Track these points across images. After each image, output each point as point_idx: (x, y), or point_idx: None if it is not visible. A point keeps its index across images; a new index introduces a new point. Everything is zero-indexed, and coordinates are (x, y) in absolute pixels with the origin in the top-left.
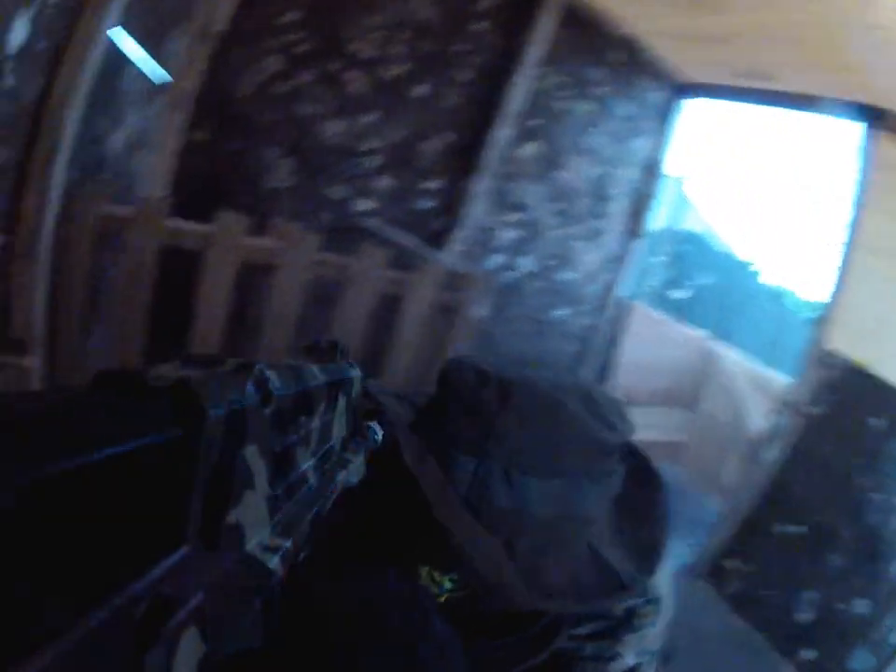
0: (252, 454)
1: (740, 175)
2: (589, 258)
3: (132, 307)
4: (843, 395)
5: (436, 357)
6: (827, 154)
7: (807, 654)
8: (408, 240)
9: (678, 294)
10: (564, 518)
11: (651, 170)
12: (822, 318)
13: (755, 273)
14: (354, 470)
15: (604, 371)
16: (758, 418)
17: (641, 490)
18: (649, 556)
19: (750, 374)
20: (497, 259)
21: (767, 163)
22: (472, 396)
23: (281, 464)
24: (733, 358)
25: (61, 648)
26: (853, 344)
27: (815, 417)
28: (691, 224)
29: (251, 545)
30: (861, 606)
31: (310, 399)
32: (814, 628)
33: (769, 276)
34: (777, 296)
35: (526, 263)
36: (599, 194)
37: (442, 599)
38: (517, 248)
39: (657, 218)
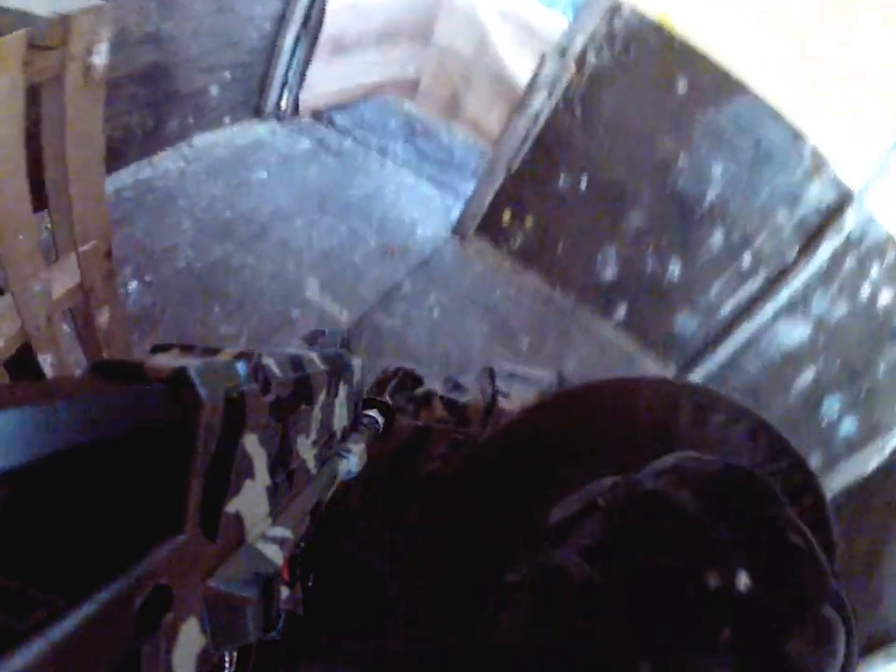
0: (252, 442)
1: None
2: None
3: None
4: (635, 52)
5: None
6: None
7: (620, 313)
8: None
9: None
10: None
11: None
12: None
13: None
14: (355, 460)
15: (310, 21)
16: (510, 50)
17: None
18: None
19: (498, 5)
20: None
21: None
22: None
23: (281, 453)
24: None
25: (56, 637)
26: None
27: (599, 70)
28: None
29: (251, 535)
30: (672, 268)
31: (310, 387)
32: (620, 286)
33: None
34: None
35: None
36: None
37: None
38: None
39: None
